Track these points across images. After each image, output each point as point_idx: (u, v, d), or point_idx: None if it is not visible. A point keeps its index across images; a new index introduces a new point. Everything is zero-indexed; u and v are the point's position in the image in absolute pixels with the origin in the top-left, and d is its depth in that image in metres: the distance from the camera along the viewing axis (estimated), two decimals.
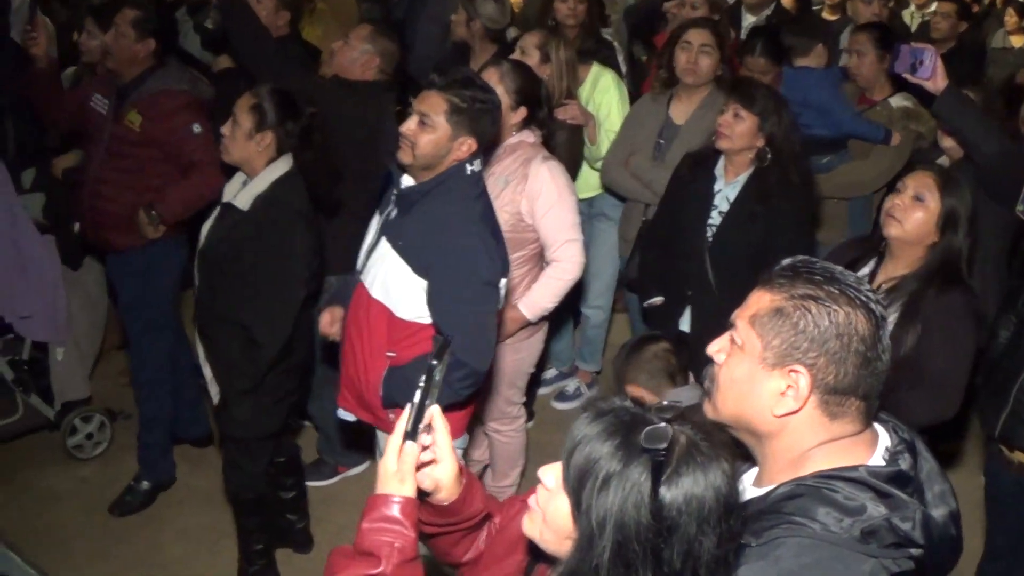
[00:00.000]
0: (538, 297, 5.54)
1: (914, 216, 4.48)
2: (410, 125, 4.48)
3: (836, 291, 2.40)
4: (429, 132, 4.44)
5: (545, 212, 5.46)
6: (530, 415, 6.79)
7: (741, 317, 2.49)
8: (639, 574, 2.18)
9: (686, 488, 2.16)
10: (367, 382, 4.69)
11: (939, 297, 4.43)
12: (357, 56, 6.31)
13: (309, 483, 6.29)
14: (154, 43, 6.16)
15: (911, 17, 12.13)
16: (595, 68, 7.03)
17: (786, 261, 2.52)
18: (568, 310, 7.42)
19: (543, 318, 5.76)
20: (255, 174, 5.12)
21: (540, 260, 5.63)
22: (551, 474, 2.34)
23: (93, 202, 6.19)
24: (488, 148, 4.84)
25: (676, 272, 5.73)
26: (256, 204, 5.06)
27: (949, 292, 4.44)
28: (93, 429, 6.93)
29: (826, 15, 10.56)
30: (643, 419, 2.22)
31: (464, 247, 4.43)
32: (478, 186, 4.63)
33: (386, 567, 2.46)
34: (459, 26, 7.28)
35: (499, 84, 5.33)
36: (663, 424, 2.17)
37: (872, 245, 4.75)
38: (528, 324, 5.63)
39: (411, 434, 2.55)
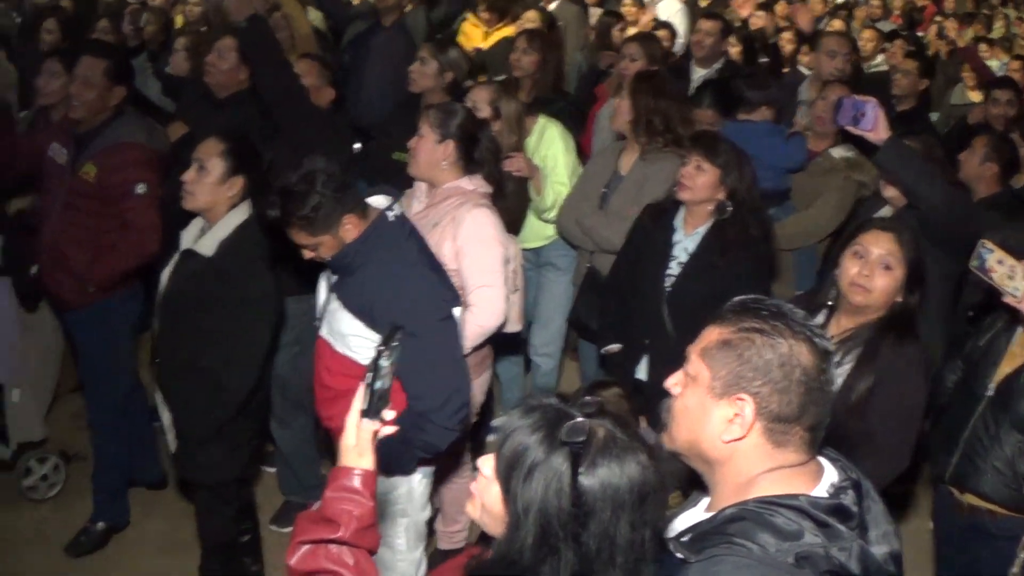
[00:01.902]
0: None
1: (881, 284, 4.47)
2: None
3: (781, 325, 2.52)
4: (323, 244, 4.61)
5: (465, 255, 5.45)
6: None
7: (693, 350, 2.62)
8: (560, 555, 2.38)
9: (602, 477, 2.38)
10: (339, 418, 4.70)
11: (894, 349, 4.46)
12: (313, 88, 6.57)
13: (280, 529, 6.40)
14: (125, 90, 6.18)
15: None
16: (541, 120, 7.09)
17: (737, 299, 2.65)
18: (519, 358, 7.51)
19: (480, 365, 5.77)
20: (216, 220, 5.12)
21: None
22: (488, 463, 2.53)
23: (51, 256, 6.16)
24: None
25: (634, 321, 5.77)
26: (221, 250, 5.06)
27: (904, 346, 4.48)
28: (48, 471, 6.90)
29: None
30: (566, 414, 2.44)
31: (408, 294, 4.49)
32: (404, 228, 4.70)
33: (344, 532, 2.75)
34: (424, 77, 7.29)
35: (425, 122, 5.50)
36: (582, 419, 2.38)
37: (821, 301, 4.73)
38: None
39: (366, 412, 2.78)
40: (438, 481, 5.93)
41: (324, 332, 4.81)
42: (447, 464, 5.87)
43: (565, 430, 2.37)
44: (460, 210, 5.50)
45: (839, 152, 7.04)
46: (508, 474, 2.44)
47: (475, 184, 5.66)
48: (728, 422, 2.53)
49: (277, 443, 6.66)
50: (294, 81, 6.37)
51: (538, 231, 7.10)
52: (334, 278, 4.76)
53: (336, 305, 4.68)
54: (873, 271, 4.47)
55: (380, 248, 4.55)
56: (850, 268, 4.53)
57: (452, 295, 4.71)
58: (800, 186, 7.09)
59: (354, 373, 4.63)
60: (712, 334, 2.59)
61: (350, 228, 4.52)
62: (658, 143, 6.36)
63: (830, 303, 4.68)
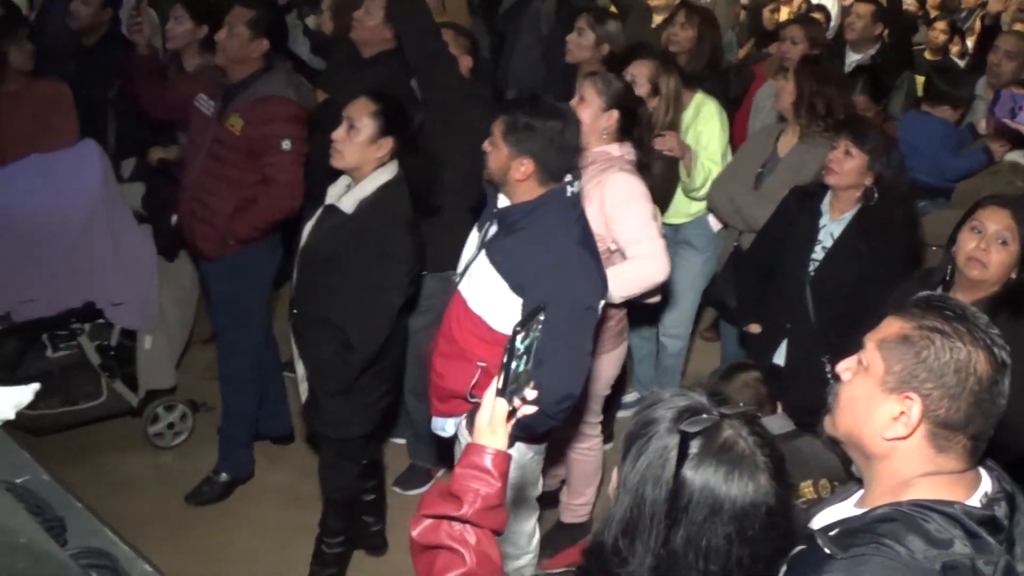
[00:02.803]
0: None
1: (997, 259, 4.51)
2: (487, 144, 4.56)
3: (963, 329, 2.45)
4: (496, 151, 4.52)
5: (620, 215, 5.42)
6: (609, 436, 6.77)
7: (871, 339, 2.56)
8: (638, 545, 2.36)
9: (706, 478, 2.33)
10: (452, 378, 4.73)
11: (1010, 325, 4.26)
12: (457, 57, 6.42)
13: (403, 492, 6.47)
14: (267, 44, 6.11)
15: None
16: (698, 96, 7.01)
17: (923, 294, 2.60)
18: (652, 333, 7.46)
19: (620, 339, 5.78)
20: (362, 178, 5.13)
21: None
22: None
23: (191, 207, 6.20)
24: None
25: (775, 304, 5.72)
26: (361, 208, 5.08)
27: (1019, 322, 4.41)
28: (175, 419, 7.00)
29: (928, 56, 10.53)
30: (703, 409, 2.41)
31: (563, 272, 4.41)
32: (576, 208, 4.63)
33: (468, 511, 2.69)
34: (581, 48, 7.19)
35: (591, 88, 5.50)
36: (710, 415, 2.35)
37: (939, 277, 4.75)
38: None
39: (501, 392, 2.72)
40: (562, 454, 5.90)
41: (463, 286, 4.75)
42: (572, 436, 5.83)
43: (690, 420, 2.33)
44: (605, 174, 5.47)
45: (1012, 156, 6.84)
46: (629, 444, 2.43)
47: (623, 151, 5.62)
48: (893, 419, 2.47)
49: (412, 415, 6.65)
50: (442, 48, 6.24)
51: (682, 208, 7.02)
52: (490, 233, 4.69)
53: (483, 262, 4.61)
54: (990, 246, 4.52)
55: (550, 217, 4.49)
56: (967, 243, 4.58)
57: (603, 287, 4.65)
58: (963, 184, 6.89)
59: (480, 334, 4.63)
60: (893, 326, 2.53)
61: (524, 171, 4.45)
62: (818, 127, 6.26)
63: (946, 279, 4.70)
